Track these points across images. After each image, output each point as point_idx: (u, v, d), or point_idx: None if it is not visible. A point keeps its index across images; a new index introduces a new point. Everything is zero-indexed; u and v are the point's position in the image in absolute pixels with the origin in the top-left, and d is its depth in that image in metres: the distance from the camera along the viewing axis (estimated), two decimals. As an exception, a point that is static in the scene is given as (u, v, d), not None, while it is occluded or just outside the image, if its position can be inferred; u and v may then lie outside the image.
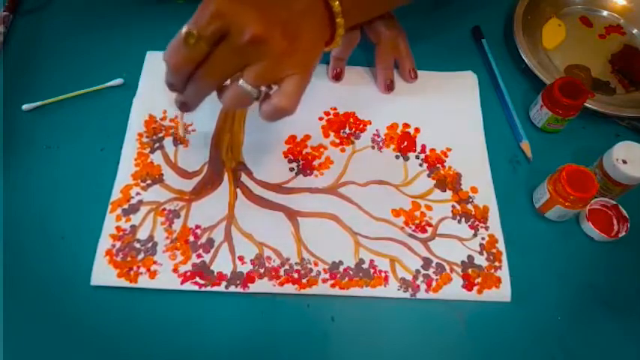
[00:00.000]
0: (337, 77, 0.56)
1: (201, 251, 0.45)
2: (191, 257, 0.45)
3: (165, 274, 0.44)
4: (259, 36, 0.35)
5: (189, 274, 0.44)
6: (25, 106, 0.51)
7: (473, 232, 0.48)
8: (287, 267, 0.45)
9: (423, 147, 0.53)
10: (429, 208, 0.49)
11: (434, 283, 0.45)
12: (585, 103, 0.53)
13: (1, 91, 0.52)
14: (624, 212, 0.49)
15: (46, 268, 0.44)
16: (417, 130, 0.54)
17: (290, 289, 0.44)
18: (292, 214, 0.48)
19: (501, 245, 0.48)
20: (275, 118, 0.39)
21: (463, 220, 0.49)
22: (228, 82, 0.38)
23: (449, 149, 0.53)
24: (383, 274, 0.45)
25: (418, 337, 0.43)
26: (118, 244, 0.45)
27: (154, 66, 0.55)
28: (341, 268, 0.45)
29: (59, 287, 0.43)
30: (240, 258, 0.45)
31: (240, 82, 0.37)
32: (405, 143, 0.53)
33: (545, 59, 0.60)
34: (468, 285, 0.46)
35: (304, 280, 0.45)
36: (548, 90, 0.52)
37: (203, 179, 0.49)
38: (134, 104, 0.52)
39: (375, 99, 0.55)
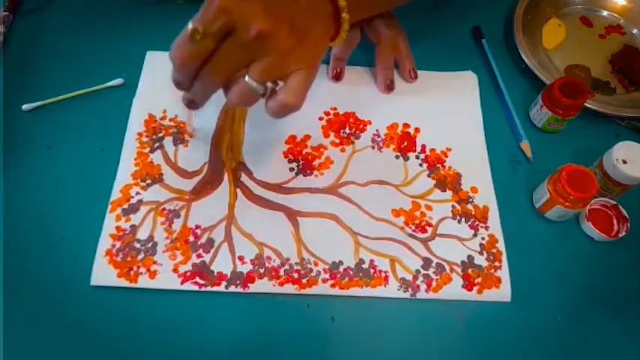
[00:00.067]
0: (337, 77, 0.56)
1: (201, 251, 0.45)
2: (191, 257, 0.45)
3: (165, 274, 0.44)
4: (265, 32, 0.35)
5: (189, 274, 0.44)
6: (25, 106, 0.51)
7: (473, 232, 0.48)
8: (287, 267, 0.45)
9: (423, 147, 0.53)
10: (429, 208, 0.49)
11: (434, 283, 0.45)
12: (585, 103, 0.53)
13: (1, 91, 0.52)
14: (624, 212, 0.49)
15: (46, 268, 0.44)
16: (417, 130, 0.54)
17: (290, 289, 0.44)
18: (292, 214, 0.48)
19: (501, 245, 0.48)
20: (281, 115, 0.39)
21: (463, 220, 0.49)
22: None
23: (449, 149, 0.53)
24: (383, 274, 0.45)
25: (418, 337, 0.43)
26: (118, 244, 0.45)
27: (154, 66, 0.55)
28: (341, 268, 0.45)
29: (59, 287, 0.43)
30: (240, 258, 0.45)
31: (246, 78, 0.37)
32: (405, 143, 0.53)
33: (545, 59, 0.60)
34: (468, 285, 0.46)
35: (304, 280, 0.45)
36: (548, 90, 0.52)
37: (203, 179, 0.49)
38: (134, 104, 0.52)
39: (375, 99, 0.55)
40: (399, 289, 0.45)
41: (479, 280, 0.46)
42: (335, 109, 0.54)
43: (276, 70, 0.37)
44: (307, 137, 0.52)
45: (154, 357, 0.41)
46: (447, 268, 0.46)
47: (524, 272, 0.47)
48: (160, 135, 0.51)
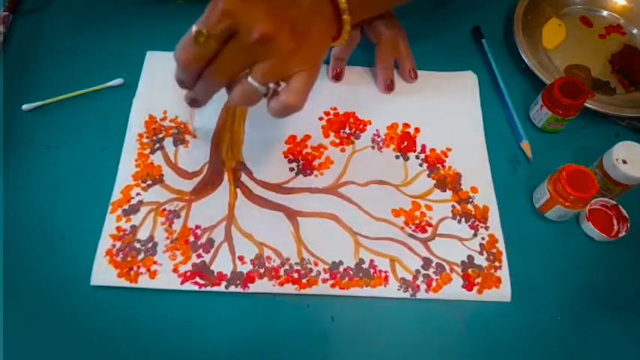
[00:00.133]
0: (337, 77, 0.56)
1: (201, 251, 0.45)
2: (191, 257, 0.45)
3: (165, 274, 0.44)
4: (268, 34, 0.35)
5: (189, 274, 0.44)
6: (25, 106, 0.51)
7: (473, 232, 0.48)
8: (287, 267, 0.45)
9: (423, 147, 0.53)
10: (429, 208, 0.49)
11: (434, 283, 0.45)
12: (585, 103, 0.53)
13: (1, 91, 0.52)
14: (624, 212, 0.49)
15: (46, 268, 0.44)
16: (417, 130, 0.54)
17: (290, 289, 0.44)
18: (292, 214, 0.48)
19: (501, 245, 0.48)
20: (283, 115, 0.39)
21: (463, 220, 0.49)
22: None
23: (449, 149, 0.53)
24: (383, 274, 0.45)
25: (418, 337, 0.43)
26: (118, 244, 0.45)
27: (154, 66, 0.55)
28: (341, 268, 0.45)
29: (59, 287, 0.43)
30: (240, 258, 0.45)
31: (249, 79, 0.37)
32: (405, 143, 0.53)
33: (545, 59, 0.60)
34: (468, 285, 0.46)
35: (304, 280, 0.45)
36: (548, 90, 0.52)
37: (203, 179, 0.49)
38: (134, 104, 0.52)
39: (375, 99, 0.55)
40: (399, 289, 0.45)
41: (479, 280, 0.46)
42: (335, 109, 0.54)
43: (279, 72, 0.38)
44: (307, 137, 0.52)
45: (154, 357, 0.41)
46: (447, 268, 0.46)
47: (524, 272, 0.47)
48: (161, 136, 0.51)
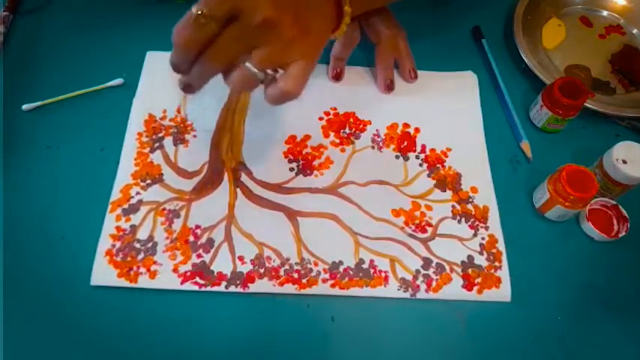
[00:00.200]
0: (337, 77, 0.56)
1: (201, 251, 0.45)
2: (191, 257, 0.45)
3: (165, 274, 0.44)
4: (271, 19, 0.35)
5: (189, 274, 0.44)
6: (25, 106, 0.51)
7: (473, 232, 0.48)
8: (287, 267, 0.45)
9: (423, 147, 0.53)
10: (429, 208, 0.49)
11: (434, 283, 0.45)
12: (585, 103, 0.53)
13: (1, 91, 0.52)
14: (624, 212, 0.49)
15: (46, 268, 0.44)
16: (417, 130, 0.54)
17: (290, 289, 0.44)
18: (292, 214, 0.48)
19: (501, 245, 0.48)
20: (280, 102, 0.39)
21: (463, 220, 0.49)
22: None
23: (449, 149, 0.53)
24: (383, 274, 0.45)
25: (418, 337, 0.43)
26: (118, 244, 0.45)
27: (154, 66, 0.55)
28: (341, 268, 0.45)
29: (59, 287, 0.43)
30: (240, 258, 0.45)
31: (247, 64, 0.37)
32: (405, 143, 0.53)
33: (545, 59, 0.60)
34: (468, 285, 0.46)
35: (304, 280, 0.45)
36: (548, 90, 0.52)
37: (203, 179, 0.49)
38: (134, 104, 0.52)
39: (375, 99, 0.55)
40: (399, 289, 0.45)
41: (479, 280, 0.46)
42: (335, 109, 0.54)
43: (278, 59, 0.37)
44: (307, 137, 0.52)
45: (154, 357, 0.41)
46: (447, 268, 0.46)
47: (524, 272, 0.47)
48: (160, 135, 0.51)
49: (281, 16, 0.35)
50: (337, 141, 0.52)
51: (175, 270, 0.44)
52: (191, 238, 0.46)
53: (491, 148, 0.53)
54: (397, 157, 0.52)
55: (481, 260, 0.47)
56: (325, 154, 0.51)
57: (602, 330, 0.45)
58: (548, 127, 0.54)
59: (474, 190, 0.51)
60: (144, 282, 0.44)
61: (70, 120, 0.51)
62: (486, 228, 0.49)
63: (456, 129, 0.54)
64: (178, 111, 0.52)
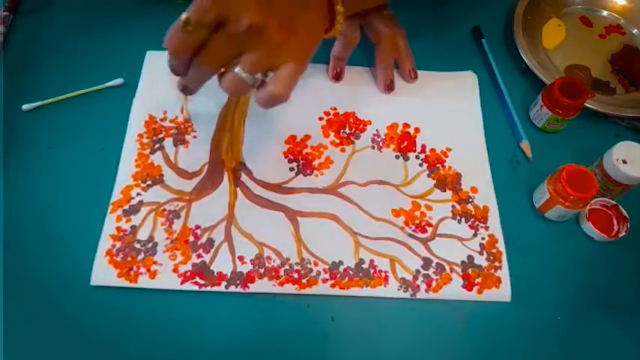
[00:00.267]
0: (337, 77, 0.56)
1: (201, 251, 0.45)
2: (191, 257, 0.45)
3: (165, 274, 0.44)
4: (256, 25, 0.35)
5: (189, 274, 0.44)
6: (25, 106, 0.51)
7: (473, 232, 0.48)
8: (287, 267, 0.45)
9: (423, 147, 0.53)
10: (429, 208, 0.49)
11: (434, 283, 0.45)
12: (585, 103, 0.53)
13: (1, 91, 0.52)
14: (624, 212, 0.49)
15: (46, 268, 0.44)
16: (417, 130, 0.54)
17: (290, 289, 0.44)
18: (292, 214, 0.48)
19: (501, 245, 0.48)
20: (270, 105, 0.39)
21: (463, 220, 0.49)
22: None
23: (449, 149, 0.53)
24: (383, 274, 0.45)
25: (418, 337, 0.43)
26: (119, 244, 0.45)
27: (154, 66, 0.55)
28: (341, 268, 0.45)
29: (59, 287, 0.43)
30: (240, 258, 0.45)
31: (237, 69, 0.37)
32: (405, 143, 0.53)
33: (545, 59, 0.60)
34: (468, 285, 0.46)
35: (304, 280, 0.45)
36: (548, 90, 0.52)
37: (203, 179, 0.49)
38: (134, 105, 0.52)
39: (375, 99, 0.55)
40: (399, 289, 0.45)
41: (479, 280, 0.46)
42: (335, 109, 0.54)
43: (266, 63, 0.38)
44: (307, 137, 0.52)
45: (154, 357, 0.41)
46: (447, 268, 0.46)
47: (524, 272, 0.47)
48: (161, 136, 0.51)
49: (266, 21, 0.35)
50: (337, 141, 0.52)
51: (175, 270, 0.44)
52: (191, 239, 0.46)
53: (491, 148, 0.53)
54: (397, 157, 0.52)
55: (481, 260, 0.47)
56: (325, 154, 0.51)
57: (602, 330, 0.45)
58: (548, 127, 0.54)
59: (474, 190, 0.51)
60: (144, 282, 0.44)
61: (70, 120, 0.51)
62: (486, 228, 0.49)
63: (456, 129, 0.54)
64: (182, 111, 0.52)
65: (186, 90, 0.40)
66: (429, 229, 0.48)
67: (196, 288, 0.44)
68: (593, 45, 0.62)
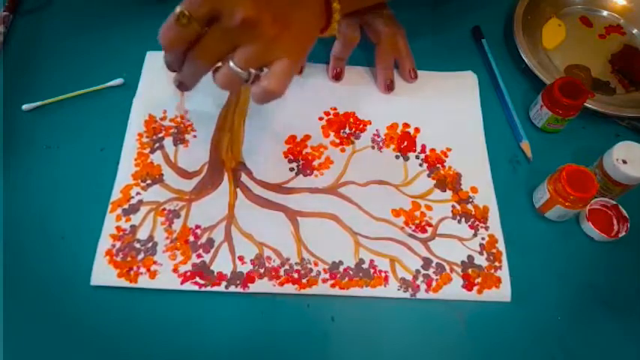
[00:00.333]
0: (337, 77, 0.56)
1: (201, 251, 0.45)
2: (191, 257, 0.45)
3: (165, 274, 0.44)
4: (250, 19, 0.35)
5: (189, 274, 0.44)
6: (25, 106, 0.51)
7: (473, 232, 0.48)
8: (287, 267, 0.45)
9: (423, 147, 0.53)
10: (429, 208, 0.49)
11: (434, 283, 0.45)
12: (585, 103, 0.53)
13: (1, 91, 0.52)
14: (624, 212, 0.49)
15: (46, 268, 0.44)
16: (417, 130, 0.54)
17: (290, 289, 0.44)
18: (292, 214, 0.48)
19: (501, 245, 0.48)
20: (265, 101, 0.39)
21: (463, 220, 0.49)
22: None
23: (449, 149, 0.53)
24: (383, 274, 0.45)
25: (418, 337, 0.43)
26: (118, 244, 0.45)
27: (154, 66, 0.55)
28: (341, 268, 0.45)
29: (59, 287, 0.43)
30: (240, 258, 0.45)
31: (230, 64, 0.37)
32: (405, 143, 0.53)
33: (545, 59, 0.60)
34: (468, 285, 0.46)
35: (304, 280, 0.45)
36: (548, 90, 0.52)
37: (203, 179, 0.49)
38: (134, 104, 0.52)
39: (375, 99, 0.55)
40: (399, 289, 0.45)
41: (479, 280, 0.46)
42: (335, 109, 0.54)
43: (260, 57, 0.38)
44: (307, 137, 0.52)
45: (154, 357, 0.41)
46: (447, 268, 0.46)
47: (524, 272, 0.47)
48: (160, 135, 0.51)
49: (260, 15, 0.35)
50: (337, 141, 0.52)
51: (175, 270, 0.44)
52: (191, 238, 0.46)
53: (491, 148, 0.53)
54: (397, 157, 0.52)
55: (481, 260, 0.47)
56: (325, 154, 0.51)
57: (602, 330, 0.45)
58: (548, 127, 0.54)
59: (474, 190, 0.51)
60: (144, 282, 0.44)
61: (70, 120, 0.51)
62: (486, 228, 0.49)
63: (456, 129, 0.54)
64: (177, 108, 0.52)
65: (182, 86, 0.40)
66: (429, 229, 0.48)
67: (196, 288, 0.44)
68: (593, 45, 0.62)
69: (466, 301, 0.45)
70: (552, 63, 0.60)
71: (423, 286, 0.45)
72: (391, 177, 0.51)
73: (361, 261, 0.46)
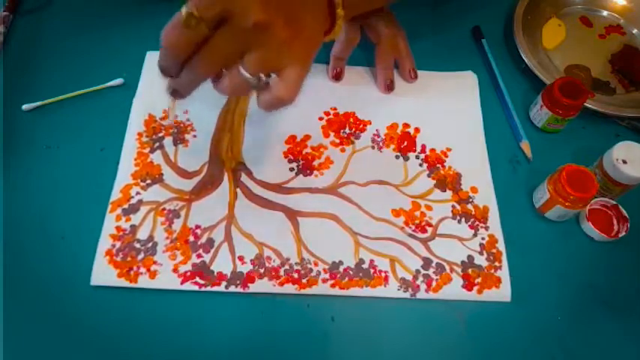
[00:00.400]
0: (337, 77, 0.56)
1: (201, 251, 0.45)
2: (191, 257, 0.45)
3: (165, 274, 0.44)
4: (263, 22, 0.34)
5: (189, 274, 0.44)
6: (25, 106, 0.51)
7: (473, 232, 0.48)
8: (287, 267, 0.45)
9: (423, 147, 0.53)
10: (429, 208, 0.49)
11: (434, 283, 0.45)
12: (585, 103, 0.53)
13: (1, 91, 0.52)
14: (624, 212, 0.49)
15: (46, 268, 0.44)
16: (417, 130, 0.54)
17: (290, 289, 0.44)
18: (292, 214, 0.48)
19: (501, 245, 0.48)
20: (274, 109, 0.38)
21: (463, 220, 0.49)
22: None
23: (449, 149, 0.53)
24: (383, 274, 0.45)
25: (418, 337, 0.43)
26: (118, 244, 0.45)
27: (154, 66, 0.54)
28: (341, 268, 0.45)
29: (59, 287, 0.43)
30: (240, 258, 0.45)
31: (241, 69, 0.36)
32: (405, 143, 0.53)
33: (545, 59, 0.60)
34: (468, 285, 0.46)
35: (304, 280, 0.45)
36: (548, 90, 0.52)
37: (203, 179, 0.49)
38: (134, 104, 0.52)
39: (375, 99, 0.55)
40: (399, 289, 0.45)
41: (479, 280, 0.46)
42: (335, 109, 0.54)
43: (271, 62, 0.36)
44: (307, 137, 0.52)
45: (154, 357, 0.41)
46: (447, 268, 0.46)
47: (524, 272, 0.47)
48: (160, 135, 0.51)
49: (273, 18, 0.34)
50: (337, 141, 0.52)
51: (175, 270, 0.44)
52: (191, 238, 0.46)
53: (491, 148, 0.53)
54: (397, 157, 0.52)
55: (481, 260, 0.47)
56: (325, 154, 0.51)
57: (602, 330, 0.45)
58: (548, 127, 0.54)
59: (474, 190, 0.51)
60: (144, 282, 0.44)
61: (70, 120, 0.51)
62: (486, 228, 0.49)
63: (456, 129, 0.54)
64: (167, 114, 0.51)
65: (177, 94, 0.38)
66: (429, 229, 0.48)
67: (196, 288, 0.44)
68: (593, 45, 0.62)
69: (466, 301, 0.45)
70: (552, 63, 0.60)
71: (423, 286, 0.45)
72: (391, 177, 0.51)
73: (361, 261, 0.46)
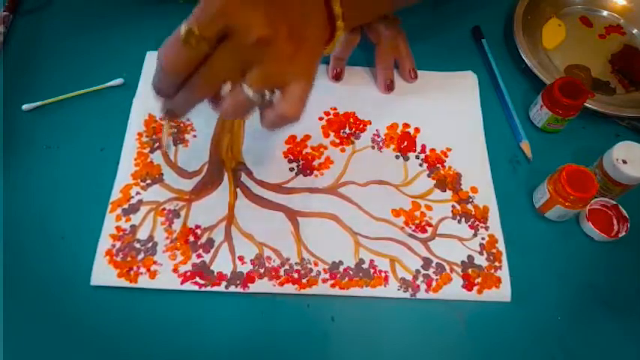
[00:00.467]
0: (337, 77, 0.56)
1: (201, 251, 0.45)
2: (191, 257, 0.45)
3: (165, 274, 0.44)
4: (266, 37, 0.33)
5: (189, 274, 0.44)
6: (25, 106, 0.51)
7: (473, 232, 0.48)
8: (287, 267, 0.45)
9: (423, 147, 0.53)
10: (429, 208, 0.49)
11: (434, 283, 0.45)
12: (585, 103, 0.53)
13: (1, 91, 0.52)
14: (624, 212, 0.49)
15: (46, 268, 0.44)
16: (417, 130, 0.54)
17: (290, 289, 0.44)
18: (292, 214, 0.48)
19: (501, 245, 0.48)
20: (278, 126, 0.37)
21: (463, 220, 0.49)
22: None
23: (449, 149, 0.53)
24: (383, 274, 0.45)
25: (418, 337, 0.43)
26: (118, 244, 0.45)
27: (154, 66, 0.54)
28: (341, 268, 0.45)
29: (59, 287, 0.43)
30: (240, 258, 0.45)
31: (243, 86, 0.35)
32: (405, 143, 0.53)
33: (545, 59, 0.60)
34: (468, 285, 0.46)
35: (304, 280, 0.45)
36: (548, 90, 0.52)
37: (203, 179, 0.49)
38: (134, 104, 0.52)
39: (375, 99, 0.55)
40: (399, 289, 0.45)
41: (479, 280, 0.46)
42: (335, 109, 0.54)
43: (275, 78, 0.35)
44: (307, 137, 0.52)
45: (154, 357, 0.41)
46: (447, 268, 0.46)
47: (524, 272, 0.47)
48: (160, 135, 0.51)
49: (276, 34, 0.33)
50: (337, 141, 0.52)
51: (175, 270, 0.44)
52: (191, 238, 0.46)
53: (491, 148, 0.53)
54: (397, 157, 0.52)
55: (481, 260, 0.47)
56: (325, 154, 0.51)
57: (602, 330, 0.45)
58: (548, 127, 0.54)
59: (474, 190, 0.51)
60: (144, 282, 0.44)
61: (70, 120, 0.51)
62: (486, 228, 0.49)
63: (456, 129, 0.54)
64: (161, 140, 0.50)
65: (173, 115, 0.37)
66: (429, 229, 0.48)
67: (196, 288, 0.44)
68: (593, 45, 0.62)
69: (466, 301, 0.45)
70: (552, 63, 0.60)
71: (423, 286, 0.45)
72: (391, 177, 0.51)
73: (361, 261, 0.46)
